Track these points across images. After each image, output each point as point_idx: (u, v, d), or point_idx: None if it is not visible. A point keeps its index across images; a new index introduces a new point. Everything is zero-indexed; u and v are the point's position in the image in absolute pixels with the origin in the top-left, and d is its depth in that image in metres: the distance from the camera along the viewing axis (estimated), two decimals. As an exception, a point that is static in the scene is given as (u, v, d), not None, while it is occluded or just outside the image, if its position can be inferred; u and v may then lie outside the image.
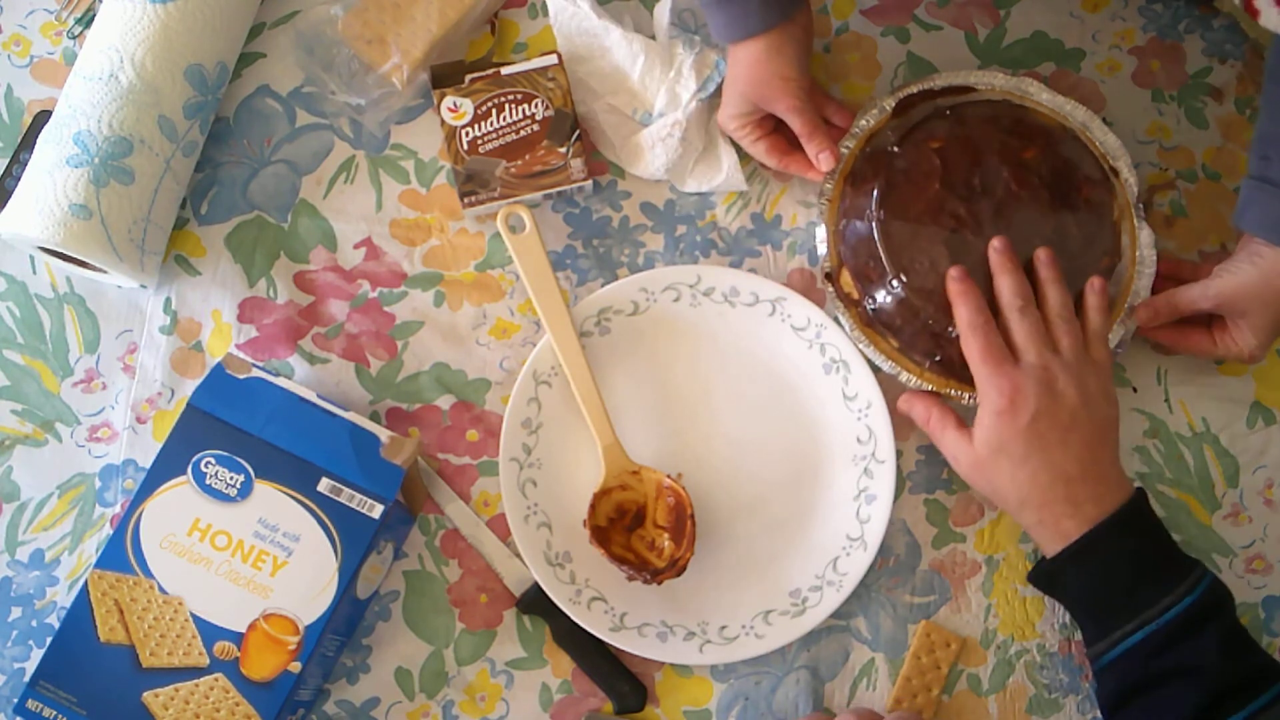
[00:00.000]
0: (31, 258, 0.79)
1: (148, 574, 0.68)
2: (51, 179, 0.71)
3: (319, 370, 0.77)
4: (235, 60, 0.80)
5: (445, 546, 0.76)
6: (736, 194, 0.80)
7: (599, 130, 0.80)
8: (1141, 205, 0.76)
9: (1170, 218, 0.80)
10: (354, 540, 0.69)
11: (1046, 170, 0.74)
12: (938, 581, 0.76)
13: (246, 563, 0.68)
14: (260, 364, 0.75)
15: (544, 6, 0.82)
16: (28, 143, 0.79)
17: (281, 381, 0.72)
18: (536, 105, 0.78)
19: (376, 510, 0.69)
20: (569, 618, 0.72)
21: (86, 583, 0.68)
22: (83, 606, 0.67)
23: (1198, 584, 0.65)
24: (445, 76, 0.79)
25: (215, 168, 0.80)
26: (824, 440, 0.76)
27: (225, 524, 0.69)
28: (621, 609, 0.73)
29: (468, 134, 0.78)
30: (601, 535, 0.73)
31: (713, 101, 0.78)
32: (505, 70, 0.78)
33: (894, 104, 0.77)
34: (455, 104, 0.78)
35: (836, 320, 0.76)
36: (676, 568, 0.71)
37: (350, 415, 0.71)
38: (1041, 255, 0.71)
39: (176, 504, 0.69)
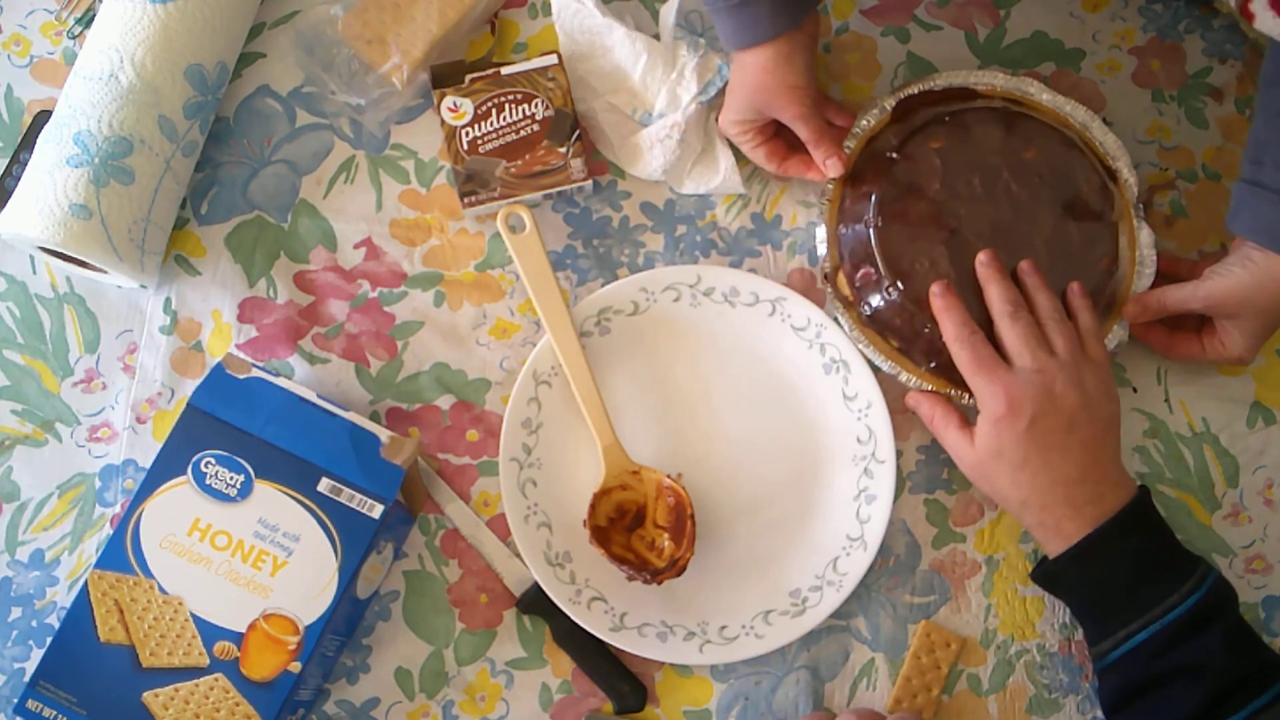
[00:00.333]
0: (31, 258, 0.79)
1: (148, 574, 0.68)
2: (51, 179, 0.71)
3: (319, 370, 0.77)
4: (235, 60, 0.80)
5: (445, 546, 0.76)
6: (736, 194, 0.80)
7: (598, 129, 0.80)
8: (1141, 205, 0.76)
9: (1170, 218, 0.80)
10: (354, 540, 0.69)
11: (1047, 171, 0.74)
12: (938, 581, 0.76)
13: (246, 563, 0.68)
14: (260, 364, 0.75)
15: (544, 6, 0.82)
16: (28, 143, 0.79)
17: (281, 381, 0.72)
18: (536, 105, 0.78)
19: (376, 510, 0.69)
20: (569, 618, 0.72)
21: (86, 583, 0.68)
22: (83, 606, 0.67)
23: (1202, 582, 0.65)
24: (445, 76, 0.79)
25: (215, 168, 0.80)
26: (824, 440, 0.76)
27: (225, 524, 0.69)
28: (621, 609, 0.73)
29: (468, 134, 0.78)
30: (601, 535, 0.73)
31: (712, 104, 0.78)
32: (505, 70, 0.78)
33: (894, 104, 0.77)
34: (455, 104, 0.78)
35: (836, 320, 0.76)
36: (676, 568, 0.71)
37: (350, 415, 0.71)
38: (1024, 266, 0.72)
39: (176, 504, 0.69)
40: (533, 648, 0.75)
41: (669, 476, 0.73)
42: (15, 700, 0.67)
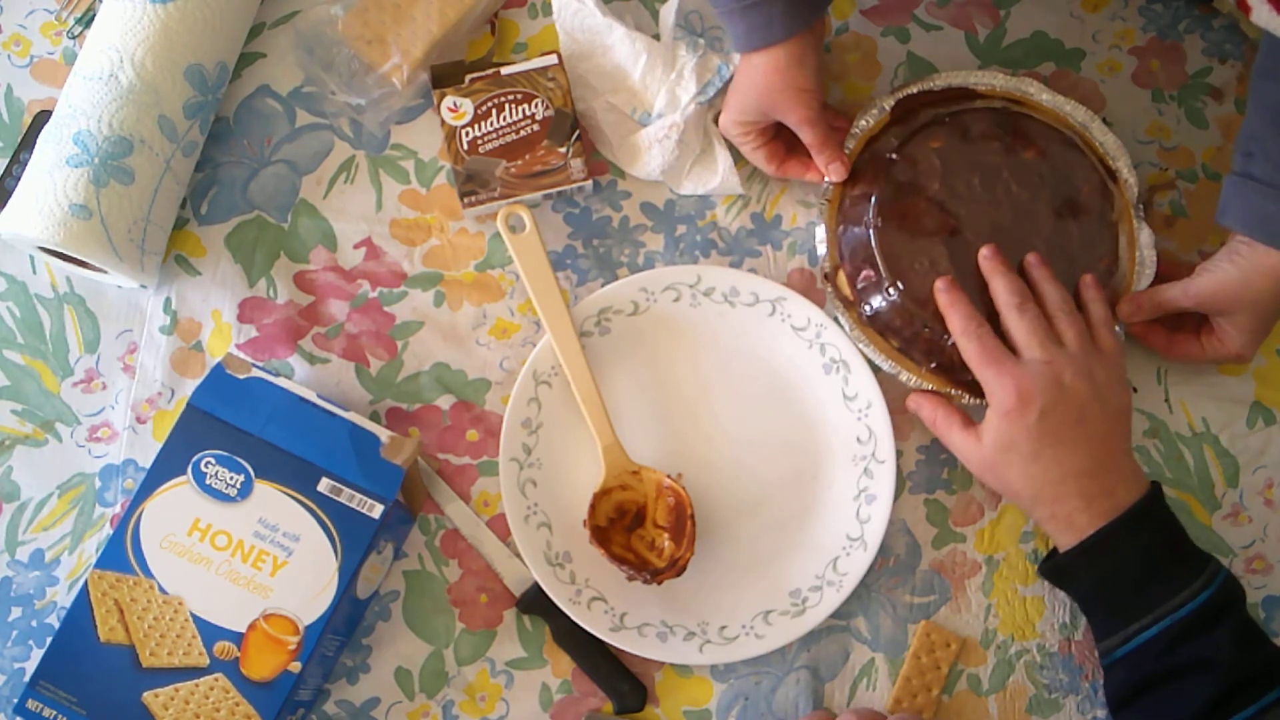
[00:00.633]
0: (31, 258, 0.79)
1: (148, 574, 0.68)
2: (51, 179, 0.71)
3: (319, 370, 0.77)
4: (235, 60, 0.80)
5: (445, 546, 0.76)
6: (735, 195, 0.80)
7: (597, 128, 0.80)
8: (1141, 205, 0.76)
9: (1170, 218, 0.80)
10: (354, 540, 0.69)
11: (1047, 171, 0.74)
12: (938, 581, 0.76)
13: (246, 563, 0.68)
14: (260, 364, 0.75)
15: (545, 6, 0.82)
16: (28, 143, 0.79)
17: (281, 381, 0.72)
18: (536, 105, 0.78)
19: (376, 510, 0.69)
20: (569, 618, 0.72)
21: (86, 583, 0.68)
22: (83, 606, 0.67)
23: (1213, 579, 0.64)
24: (445, 76, 0.79)
25: (215, 168, 0.80)
26: (824, 440, 0.76)
27: (225, 524, 0.69)
28: (621, 609, 0.73)
29: (468, 134, 0.78)
30: (601, 535, 0.73)
31: (712, 104, 0.78)
32: (505, 70, 0.78)
33: (893, 104, 0.77)
34: (455, 104, 0.78)
35: (836, 320, 0.76)
36: (676, 568, 0.71)
37: (350, 415, 0.71)
38: (1031, 259, 0.72)
39: (176, 504, 0.69)
40: (533, 648, 0.75)
41: (669, 476, 0.73)
42: (15, 700, 0.67)
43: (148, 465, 0.72)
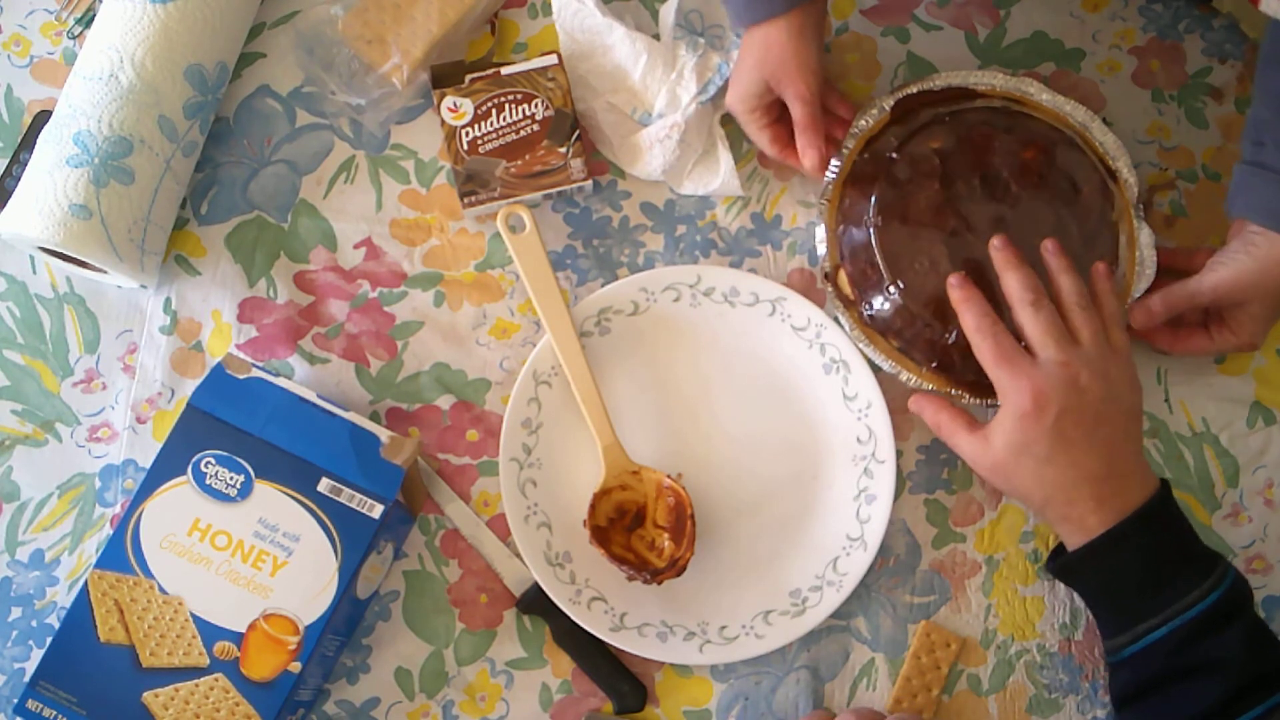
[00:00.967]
0: (31, 258, 0.79)
1: (148, 574, 0.68)
2: (51, 179, 0.71)
3: (319, 370, 0.77)
4: (235, 60, 0.80)
5: (445, 546, 0.76)
6: (735, 196, 0.80)
7: (598, 129, 0.80)
8: (1141, 205, 0.76)
9: (1170, 218, 0.80)
10: (354, 540, 0.69)
11: (1046, 171, 0.74)
12: (938, 581, 0.76)
13: (246, 563, 0.68)
14: (260, 364, 0.75)
15: (545, 6, 0.82)
16: (28, 143, 0.79)
17: (281, 381, 0.72)
18: (536, 105, 0.78)
19: (376, 510, 0.69)
20: (569, 618, 0.72)
21: (86, 583, 0.68)
22: (83, 606, 0.67)
23: (1222, 579, 0.64)
24: (445, 76, 0.79)
25: (215, 168, 0.80)
26: (824, 440, 0.76)
27: (225, 524, 0.69)
28: (621, 609, 0.73)
29: (468, 134, 0.78)
30: (601, 535, 0.73)
31: (714, 104, 0.78)
32: (505, 70, 0.78)
33: (892, 104, 0.77)
34: (455, 104, 0.78)
35: (836, 320, 0.76)
36: (676, 568, 0.71)
37: (350, 415, 0.71)
38: (1049, 245, 0.69)
39: (176, 504, 0.69)
40: (533, 648, 0.75)
41: (669, 476, 0.73)
42: (15, 700, 0.67)
43: (148, 465, 0.72)
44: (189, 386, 0.77)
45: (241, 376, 0.72)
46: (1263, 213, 0.68)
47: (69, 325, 0.78)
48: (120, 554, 0.68)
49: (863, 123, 0.77)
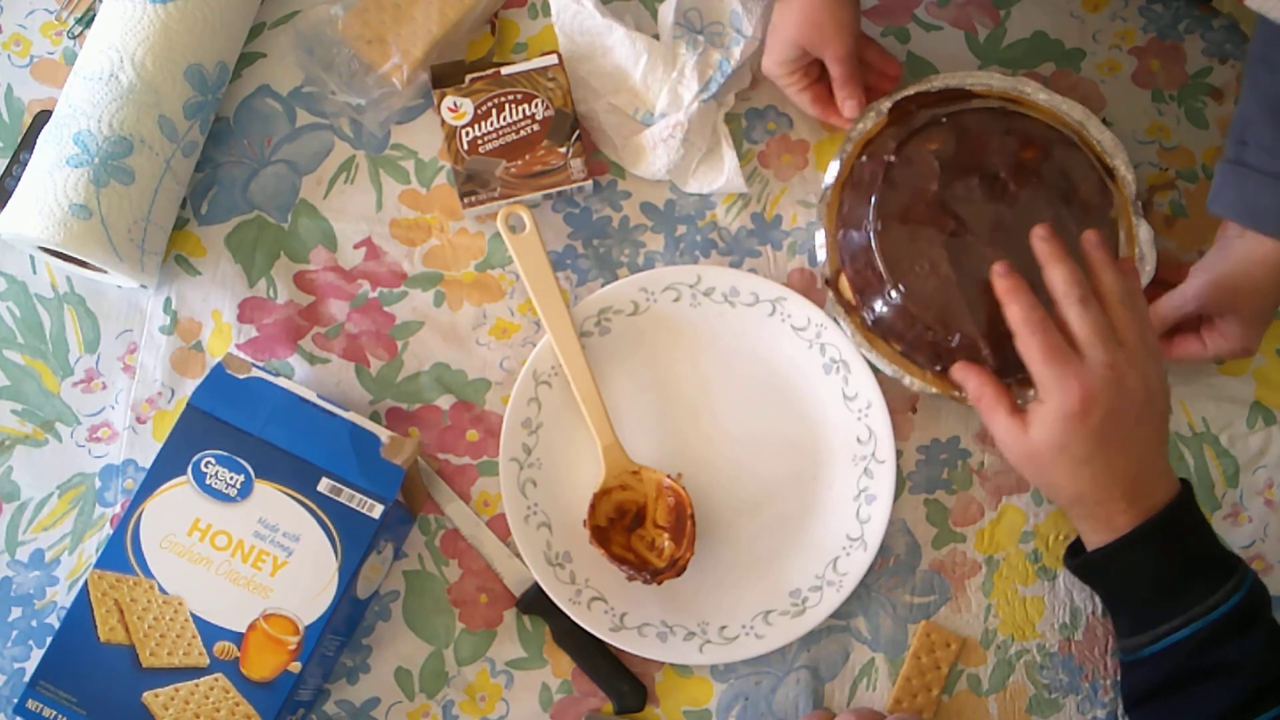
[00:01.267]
0: (31, 258, 0.79)
1: (148, 574, 0.68)
2: (51, 179, 0.71)
3: (319, 370, 0.77)
4: (235, 60, 0.80)
5: (445, 546, 0.76)
6: (737, 194, 0.80)
7: (600, 130, 0.80)
8: (1140, 204, 0.76)
9: (1170, 218, 0.80)
10: (354, 540, 0.69)
11: (1045, 170, 0.74)
12: (938, 581, 0.76)
13: (246, 563, 0.68)
14: (260, 364, 0.75)
15: (544, 6, 0.82)
16: (28, 143, 0.79)
17: (281, 381, 0.72)
18: (536, 105, 0.78)
19: (376, 510, 0.69)
20: (569, 618, 0.72)
21: (86, 583, 0.68)
22: (83, 606, 0.67)
23: (1243, 582, 0.64)
24: (445, 76, 0.79)
25: (215, 168, 0.80)
26: (824, 440, 0.76)
27: (225, 524, 0.69)
28: (621, 609, 0.73)
29: (468, 134, 0.78)
30: (601, 535, 0.73)
31: (716, 102, 0.78)
32: (505, 70, 0.78)
33: (889, 106, 0.77)
34: (455, 104, 0.78)
35: (837, 323, 0.76)
36: (676, 568, 0.71)
37: (350, 415, 0.71)
38: (1091, 237, 0.67)
39: (176, 504, 0.69)
40: (533, 648, 0.75)
41: (669, 476, 0.73)
42: (15, 700, 0.67)
43: (148, 465, 0.72)
44: (189, 386, 0.77)
45: (241, 376, 0.72)
46: (1242, 211, 0.68)
47: (69, 325, 0.78)
48: (120, 554, 0.68)
49: (860, 126, 0.77)
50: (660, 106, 0.78)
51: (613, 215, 0.80)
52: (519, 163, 0.78)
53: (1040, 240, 0.66)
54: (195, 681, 0.67)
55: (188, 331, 0.78)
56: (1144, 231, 0.75)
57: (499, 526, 0.76)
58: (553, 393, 0.76)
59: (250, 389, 0.71)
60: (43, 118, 0.77)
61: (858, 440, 0.76)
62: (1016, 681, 0.75)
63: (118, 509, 0.76)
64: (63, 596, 0.75)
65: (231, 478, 0.69)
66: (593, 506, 0.73)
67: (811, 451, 0.77)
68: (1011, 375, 0.70)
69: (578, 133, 0.78)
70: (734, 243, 0.79)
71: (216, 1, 0.76)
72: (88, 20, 0.81)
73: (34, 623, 0.74)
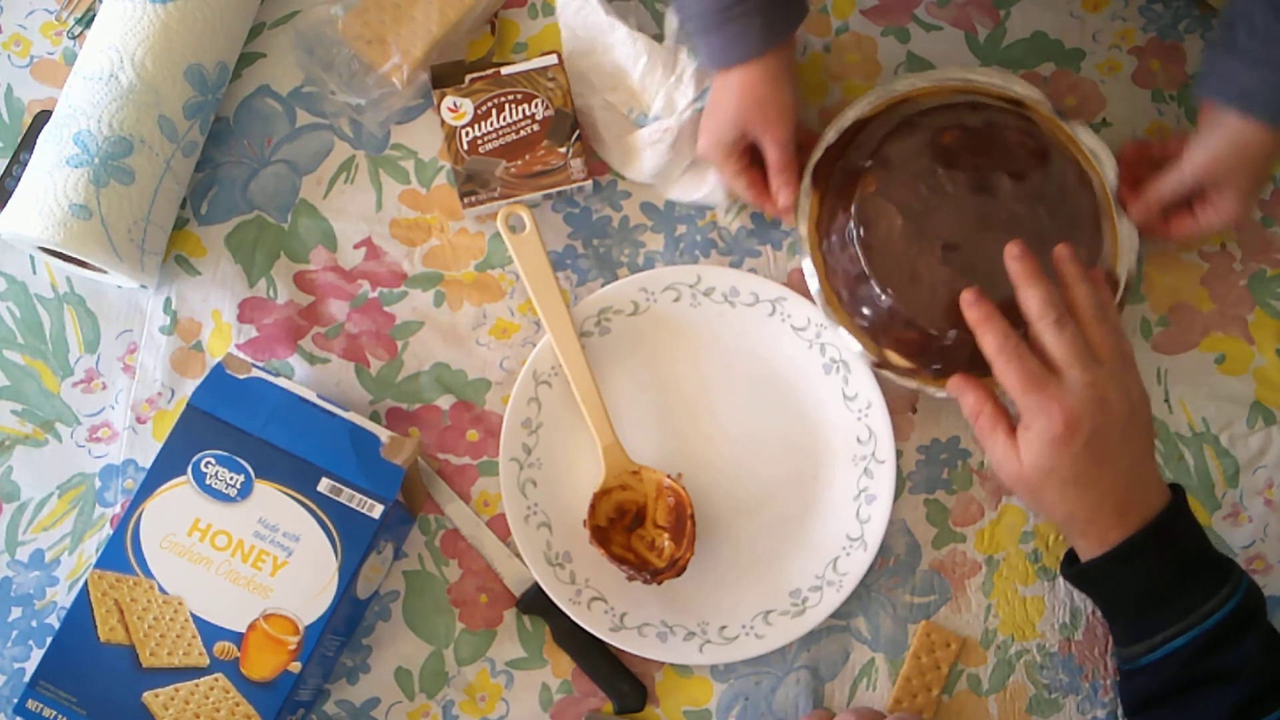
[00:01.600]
0: (31, 258, 0.79)
1: (148, 574, 0.68)
2: (51, 179, 0.71)
3: (319, 370, 0.77)
4: (235, 60, 0.80)
5: (445, 546, 0.76)
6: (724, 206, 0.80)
7: (593, 126, 0.80)
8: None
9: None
10: (354, 540, 0.69)
11: (1021, 165, 0.72)
12: (938, 581, 0.76)
13: (246, 563, 0.68)
14: (260, 364, 0.75)
15: (545, 6, 0.82)
16: (28, 143, 0.79)
17: (281, 381, 0.72)
18: (536, 105, 0.78)
19: (376, 510, 0.69)
20: (569, 618, 0.72)
21: (86, 583, 0.68)
22: (83, 606, 0.67)
23: (1238, 586, 0.64)
24: (445, 76, 0.79)
25: (215, 168, 0.80)
26: (824, 440, 0.76)
27: (225, 524, 0.69)
28: (621, 609, 0.73)
29: (468, 134, 0.78)
30: (601, 535, 0.73)
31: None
32: (505, 70, 0.78)
33: (835, 136, 0.76)
34: (455, 104, 0.78)
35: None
36: (676, 568, 0.71)
37: (350, 415, 0.71)
38: (1062, 252, 0.67)
39: (176, 504, 0.69)
40: (533, 648, 0.75)
41: (669, 476, 0.73)
42: (15, 700, 0.67)
43: (148, 465, 0.72)
44: (189, 386, 0.77)
45: (241, 376, 0.72)
46: (1229, 95, 0.69)
47: (69, 325, 0.78)
48: (120, 554, 0.68)
49: (830, 135, 0.77)
50: (655, 109, 0.78)
51: (613, 215, 0.80)
52: (519, 163, 0.78)
53: (1013, 260, 0.66)
54: (195, 681, 0.67)
55: (188, 331, 0.78)
56: (1125, 226, 0.74)
57: (499, 526, 0.76)
58: (553, 393, 0.76)
59: (250, 389, 0.71)
60: (43, 118, 0.77)
61: (858, 440, 0.76)
62: (1016, 681, 0.75)
63: (118, 509, 0.76)
64: (63, 596, 0.75)
65: (231, 478, 0.69)
66: (593, 506, 0.73)
67: (811, 451, 0.77)
68: None
69: (578, 133, 0.78)
70: (734, 243, 0.79)
71: (216, 1, 0.76)
72: (88, 20, 0.81)
73: (34, 623, 0.74)
